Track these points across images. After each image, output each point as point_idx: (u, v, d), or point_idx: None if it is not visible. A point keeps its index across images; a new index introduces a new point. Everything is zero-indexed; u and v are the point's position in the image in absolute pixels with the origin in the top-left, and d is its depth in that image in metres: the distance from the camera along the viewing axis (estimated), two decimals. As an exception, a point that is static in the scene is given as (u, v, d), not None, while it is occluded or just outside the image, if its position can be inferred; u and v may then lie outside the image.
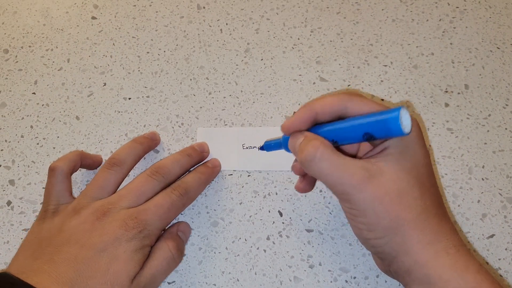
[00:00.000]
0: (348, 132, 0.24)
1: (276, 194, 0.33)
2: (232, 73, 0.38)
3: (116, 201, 0.28)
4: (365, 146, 0.27)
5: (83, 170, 0.35)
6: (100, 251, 0.25)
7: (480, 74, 0.37)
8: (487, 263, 0.30)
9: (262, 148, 0.32)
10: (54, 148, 0.36)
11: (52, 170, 0.30)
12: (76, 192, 0.33)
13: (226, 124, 0.36)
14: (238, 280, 0.30)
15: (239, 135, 0.35)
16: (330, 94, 0.33)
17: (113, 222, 0.26)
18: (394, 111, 0.22)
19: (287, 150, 0.27)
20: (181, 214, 0.33)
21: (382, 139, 0.25)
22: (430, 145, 0.34)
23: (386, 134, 0.23)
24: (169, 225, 0.31)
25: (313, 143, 0.24)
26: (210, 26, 0.41)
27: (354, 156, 0.28)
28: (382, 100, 0.36)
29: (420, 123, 0.35)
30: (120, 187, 0.30)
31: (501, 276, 0.30)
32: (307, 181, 0.30)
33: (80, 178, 0.35)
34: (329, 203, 0.32)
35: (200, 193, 0.33)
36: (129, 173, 0.32)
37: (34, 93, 0.39)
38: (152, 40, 0.41)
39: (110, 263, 0.25)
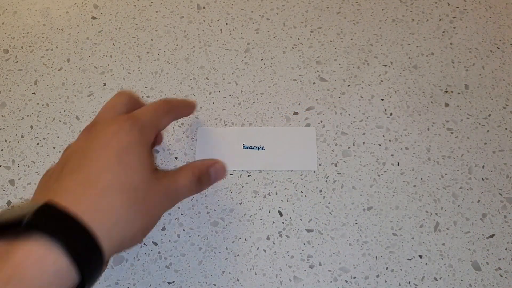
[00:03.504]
0: None
1: (276, 194, 0.33)
2: (232, 73, 0.38)
3: (102, 115, 0.27)
4: None
5: None
6: (103, 148, 0.24)
7: (480, 74, 0.37)
8: (487, 263, 0.30)
9: None
10: (54, 148, 0.36)
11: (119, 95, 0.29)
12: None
13: (226, 124, 0.36)
14: (238, 280, 0.30)
15: (239, 135, 0.35)
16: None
17: (105, 125, 0.25)
18: None
19: None
20: (181, 214, 0.33)
21: None
22: (430, 145, 0.34)
23: None
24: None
25: None
26: (210, 26, 0.41)
27: None
28: (382, 100, 0.36)
29: (420, 124, 0.35)
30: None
31: (501, 276, 0.30)
32: None
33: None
34: (329, 203, 0.32)
35: (185, 113, 0.32)
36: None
37: (34, 93, 0.39)
38: (152, 40, 0.41)
39: (119, 155, 0.23)
